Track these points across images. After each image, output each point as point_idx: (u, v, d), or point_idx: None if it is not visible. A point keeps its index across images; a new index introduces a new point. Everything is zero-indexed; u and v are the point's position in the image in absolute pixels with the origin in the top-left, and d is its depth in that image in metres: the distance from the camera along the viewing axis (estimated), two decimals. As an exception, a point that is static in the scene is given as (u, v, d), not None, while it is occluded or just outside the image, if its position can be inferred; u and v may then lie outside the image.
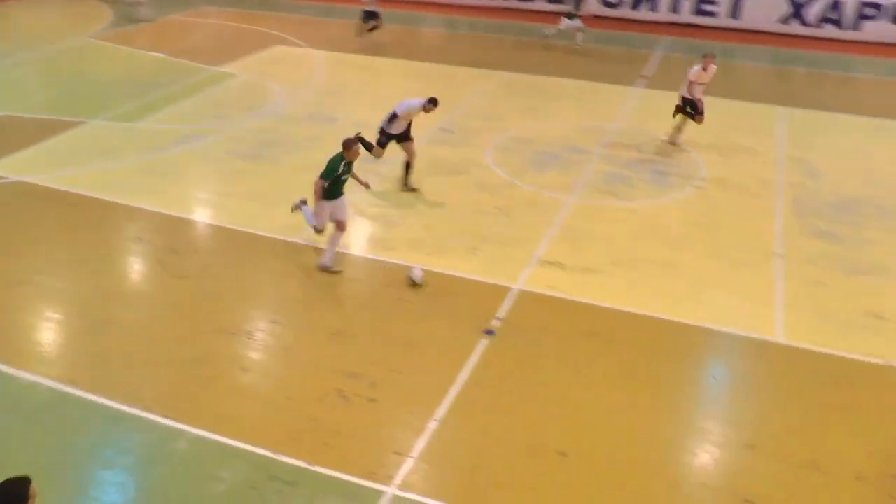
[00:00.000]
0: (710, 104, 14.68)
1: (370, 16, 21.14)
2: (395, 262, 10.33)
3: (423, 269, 9.79)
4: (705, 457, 7.32)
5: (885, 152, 15.17)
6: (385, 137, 12.17)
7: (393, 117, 12.05)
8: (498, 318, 9.12)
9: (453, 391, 7.89)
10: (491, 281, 9.90)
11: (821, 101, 18.31)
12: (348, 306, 9.60)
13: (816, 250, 11.18)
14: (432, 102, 11.95)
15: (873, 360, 8.77)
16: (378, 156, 12.25)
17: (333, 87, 18.11)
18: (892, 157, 14.99)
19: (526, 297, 9.63)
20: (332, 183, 9.70)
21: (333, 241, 9.98)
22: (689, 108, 14.47)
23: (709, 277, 10.34)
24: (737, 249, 11.06)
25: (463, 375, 8.13)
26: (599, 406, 7.85)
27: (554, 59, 21.11)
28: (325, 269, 9.97)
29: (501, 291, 9.66)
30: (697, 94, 14.33)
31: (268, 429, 7.29)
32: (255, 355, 8.43)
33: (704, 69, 14.25)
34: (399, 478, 6.79)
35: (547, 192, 12.64)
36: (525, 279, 10.01)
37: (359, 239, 11.12)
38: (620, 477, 6.95)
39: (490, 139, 14.89)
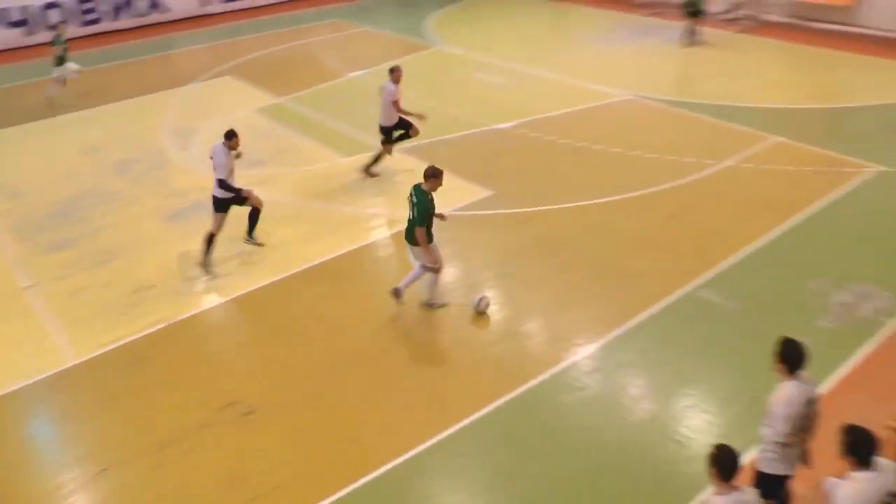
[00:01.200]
0: None
1: None
2: None
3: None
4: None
5: (68, 147, 15.39)
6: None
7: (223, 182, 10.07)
8: None
9: None
10: None
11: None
12: None
13: (60, 261, 10.98)
14: (229, 137, 10.14)
15: (161, 326, 9.27)
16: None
17: None
18: (75, 148, 15.28)
19: None
20: (429, 224, 8.70)
21: (434, 280, 9.11)
22: (401, 133, 12.69)
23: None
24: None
25: None
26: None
27: None
28: (433, 306, 9.25)
29: None
30: (400, 110, 12.43)
31: None
32: None
33: (397, 82, 12.40)
34: None
35: None
36: None
37: None
38: None
39: None
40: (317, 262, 10.48)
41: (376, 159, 12.90)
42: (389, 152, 12.90)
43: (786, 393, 5.28)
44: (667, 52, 19.49)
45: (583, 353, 8.39)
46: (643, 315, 8.94)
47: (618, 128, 14.57)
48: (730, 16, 21.74)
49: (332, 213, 11.81)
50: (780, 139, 13.64)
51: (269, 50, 21.65)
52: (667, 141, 13.74)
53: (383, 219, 11.59)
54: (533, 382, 7.94)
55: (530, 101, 16.13)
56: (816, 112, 15.21)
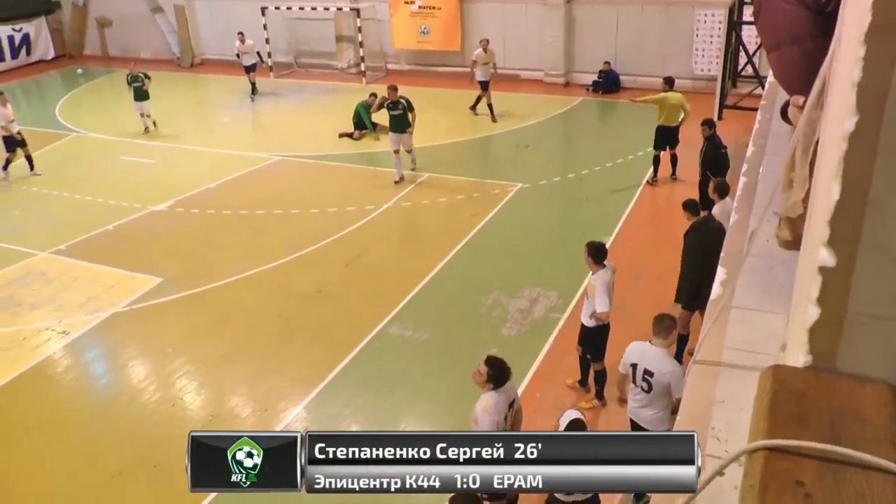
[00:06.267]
0: None
1: None
2: None
3: None
4: None
5: None
6: None
7: None
8: None
9: None
10: None
11: None
12: None
13: None
14: None
15: None
16: None
17: None
18: None
19: None
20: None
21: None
22: None
23: None
24: None
25: None
26: None
27: None
28: None
29: None
30: None
31: None
32: None
33: None
34: None
35: None
36: None
37: None
38: None
39: None
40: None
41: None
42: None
43: (491, 402, 5.72)
44: (304, 111, 20.01)
45: (290, 416, 8.21)
46: (340, 366, 8.95)
47: (275, 190, 14.62)
48: (353, 70, 22.90)
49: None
50: (431, 175, 14.58)
51: None
52: (324, 195, 14.06)
53: (50, 332, 10.22)
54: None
55: (184, 178, 15.60)
56: (456, 145, 16.50)
